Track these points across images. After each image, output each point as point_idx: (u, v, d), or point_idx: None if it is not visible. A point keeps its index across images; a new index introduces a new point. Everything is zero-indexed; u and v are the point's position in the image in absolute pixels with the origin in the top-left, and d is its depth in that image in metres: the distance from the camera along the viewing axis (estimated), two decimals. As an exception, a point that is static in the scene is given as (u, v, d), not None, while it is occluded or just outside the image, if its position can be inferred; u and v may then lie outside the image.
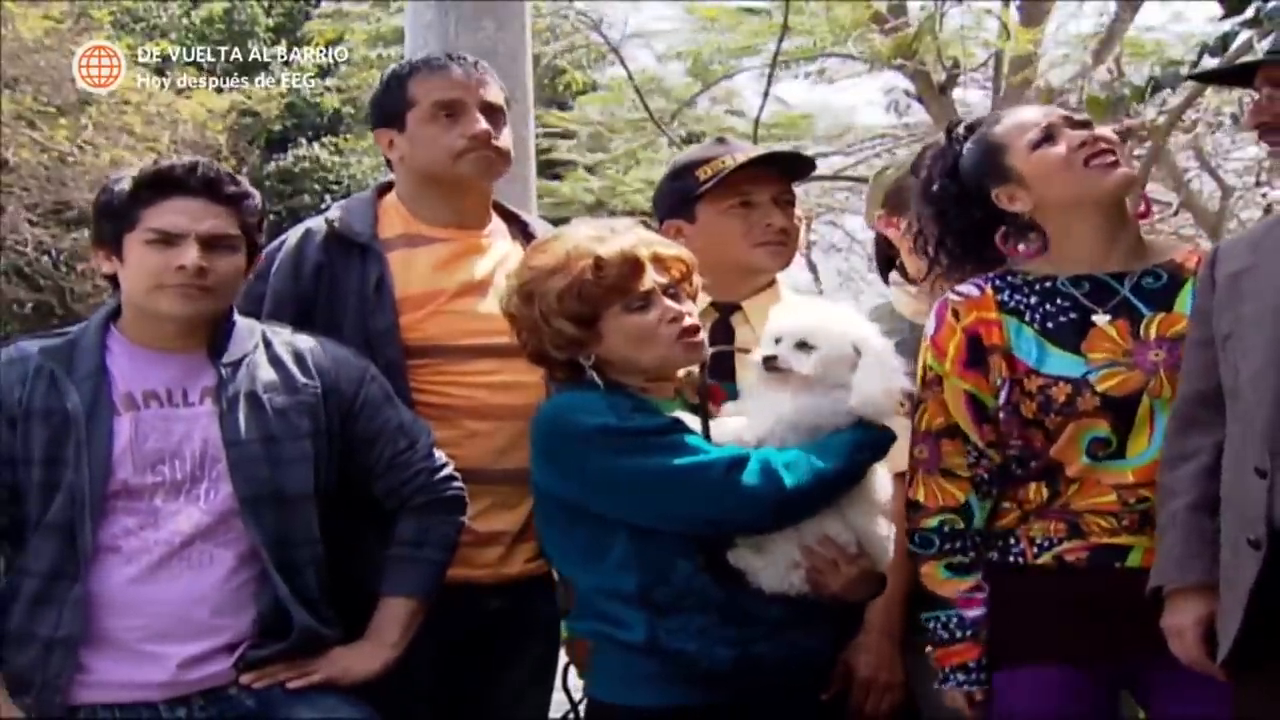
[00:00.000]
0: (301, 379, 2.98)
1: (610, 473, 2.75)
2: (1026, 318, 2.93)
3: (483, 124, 3.31)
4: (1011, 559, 2.92)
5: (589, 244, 2.83)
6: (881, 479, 2.90)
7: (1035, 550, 2.90)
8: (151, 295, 2.88)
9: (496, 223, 3.42)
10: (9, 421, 2.84)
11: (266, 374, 2.95)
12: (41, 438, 2.83)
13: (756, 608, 2.76)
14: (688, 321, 2.83)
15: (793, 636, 2.78)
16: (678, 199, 3.32)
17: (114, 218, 2.91)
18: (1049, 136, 2.93)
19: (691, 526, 2.74)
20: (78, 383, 2.86)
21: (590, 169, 13.69)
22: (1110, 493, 2.84)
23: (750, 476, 2.71)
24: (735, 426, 2.83)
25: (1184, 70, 4.67)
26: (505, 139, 3.36)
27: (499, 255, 3.32)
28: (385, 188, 3.45)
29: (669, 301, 2.82)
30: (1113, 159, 2.91)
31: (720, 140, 3.45)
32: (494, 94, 3.37)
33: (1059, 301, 2.92)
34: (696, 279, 2.94)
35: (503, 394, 3.18)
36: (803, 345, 2.82)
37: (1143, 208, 3.07)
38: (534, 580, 3.28)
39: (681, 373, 2.90)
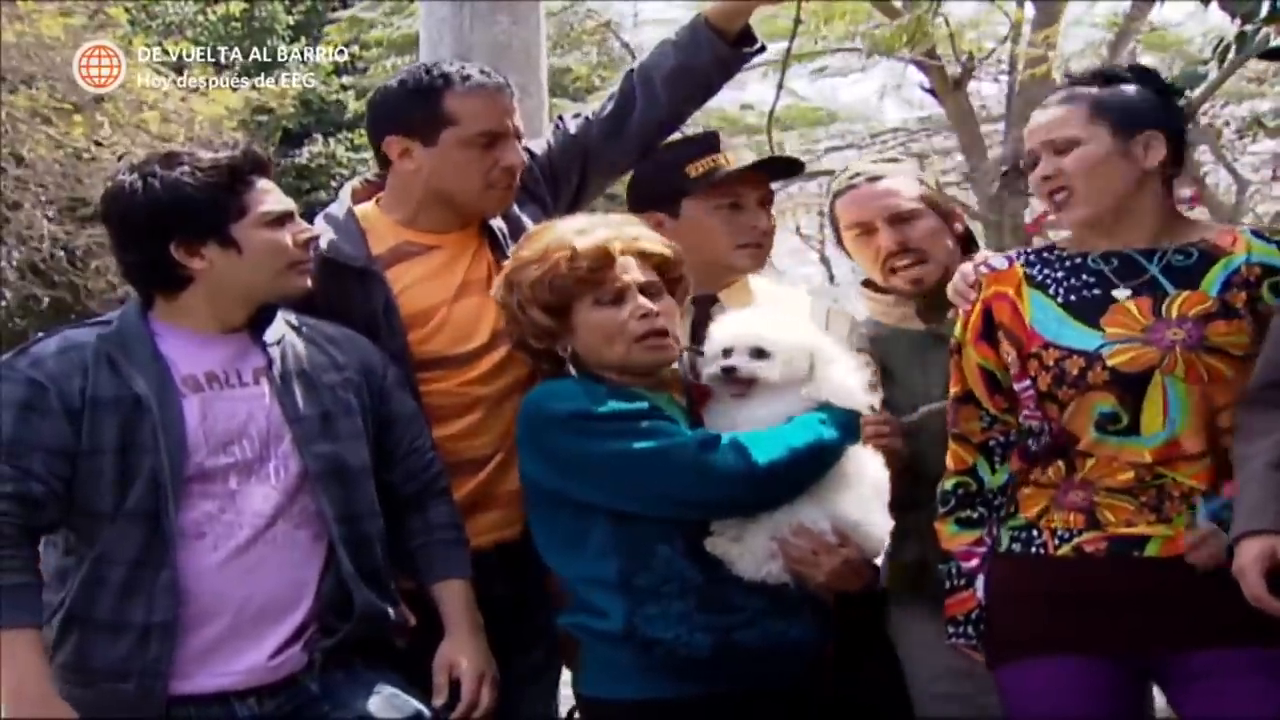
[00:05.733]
0: (341, 358, 3.02)
1: (585, 457, 2.80)
2: (1051, 290, 2.96)
3: (519, 155, 3.31)
4: (1034, 550, 2.93)
5: (570, 236, 2.88)
6: (876, 468, 2.92)
7: (1056, 542, 2.91)
8: (284, 275, 2.94)
9: None
10: (68, 414, 2.81)
11: (310, 353, 2.98)
12: (113, 425, 2.81)
13: (737, 595, 2.78)
14: (656, 323, 2.85)
15: (775, 626, 2.80)
16: (662, 192, 3.32)
17: (212, 208, 2.88)
18: None
19: (666, 508, 2.77)
20: (140, 368, 2.84)
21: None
22: (1128, 470, 2.86)
23: (721, 455, 2.75)
24: None
25: (1203, 69, 4.67)
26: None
27: (482, 253, 3.34)
28: (355, 193, 3.40)
29: (642, 299, 2.85)
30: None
31: (706, 137, 3.45)
32: (519, 118, 3.36)
33: (1085, 276, 2.95)
34: (687, 275, 2.97)
35: (498, 379, 3.22)
36: (759, 353, 2.85)
37: (1192, 193, 3.08)
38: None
39: (668, 370, 2.94)
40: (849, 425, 2.87)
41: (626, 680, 2.81)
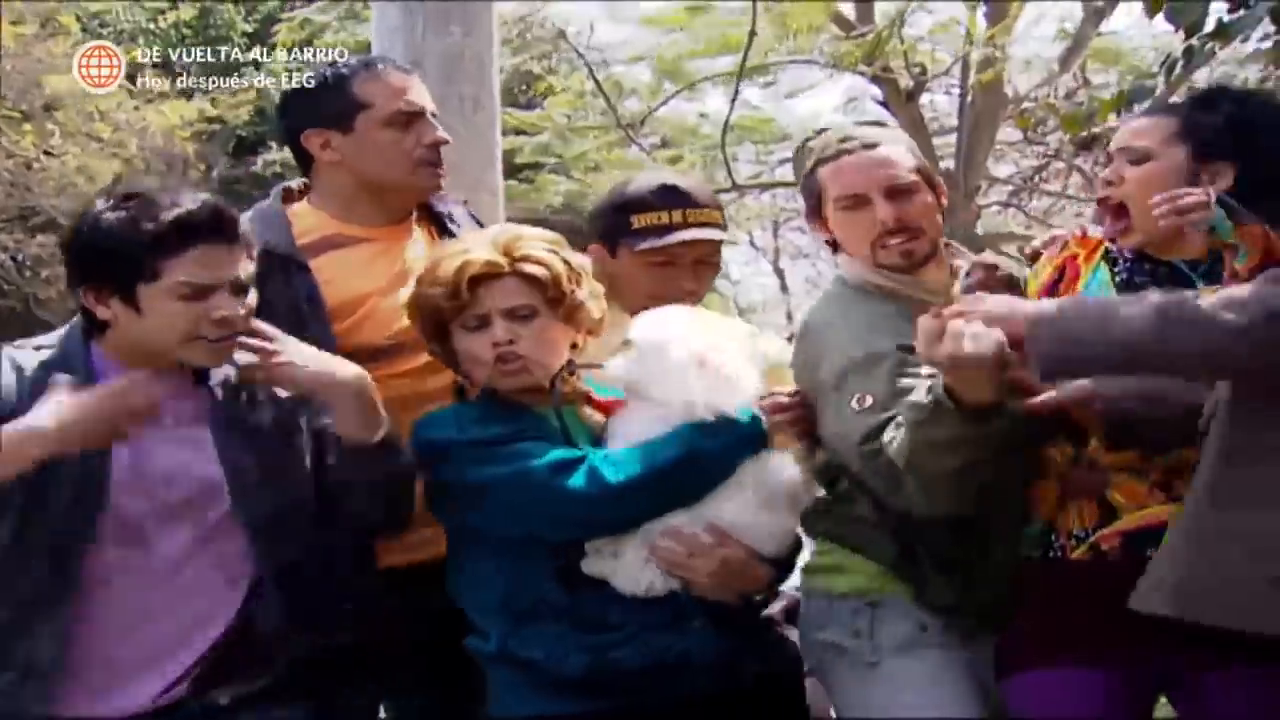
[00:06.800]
0: (282, 392, 2.92)
1: (451, 484, 2.82)
2: (1117, 268, 2.95)
3: (440, 131, 3.32)
4: (1051, 555, 2.90)
5: (450, 258, 2.87)
6: (783, 472, 2.88)
7: (1073, 544, 2.87)
8: (184, 348, 2.76)
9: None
10: None
11: (250, 391, 2.88)
12: None
13: (615, 613, 2.77)
14: (506, 350, 2.83)
15: (657, 641, 2.77)
16: (608, 229, 3.32)
17: (122, 263, 2.73)
18: None
19: (527, 530, 2.78)
20: None
21: (555, 170, 13.72)
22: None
23: (575, 477, 2.75)
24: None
25: (1151, 83, 4.73)
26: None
27: (419, 246, 3.31)
28: (290, 193, 3.39)
29: (500, 326, 2.83)
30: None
31: (667, 189, 3.36)
32: (430, 102, 3.38)
33: (1147, 267, 2.92)
34: (577, 294, 2.91)
35: (431, 377, 3.15)
36: (626, 344, 2.87)
37: None
38: None
39: (571, 385, 2.92)
40: (742, 435, 2.83)
41: (509, 699, 2.83)
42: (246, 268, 2.79)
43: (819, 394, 2.96)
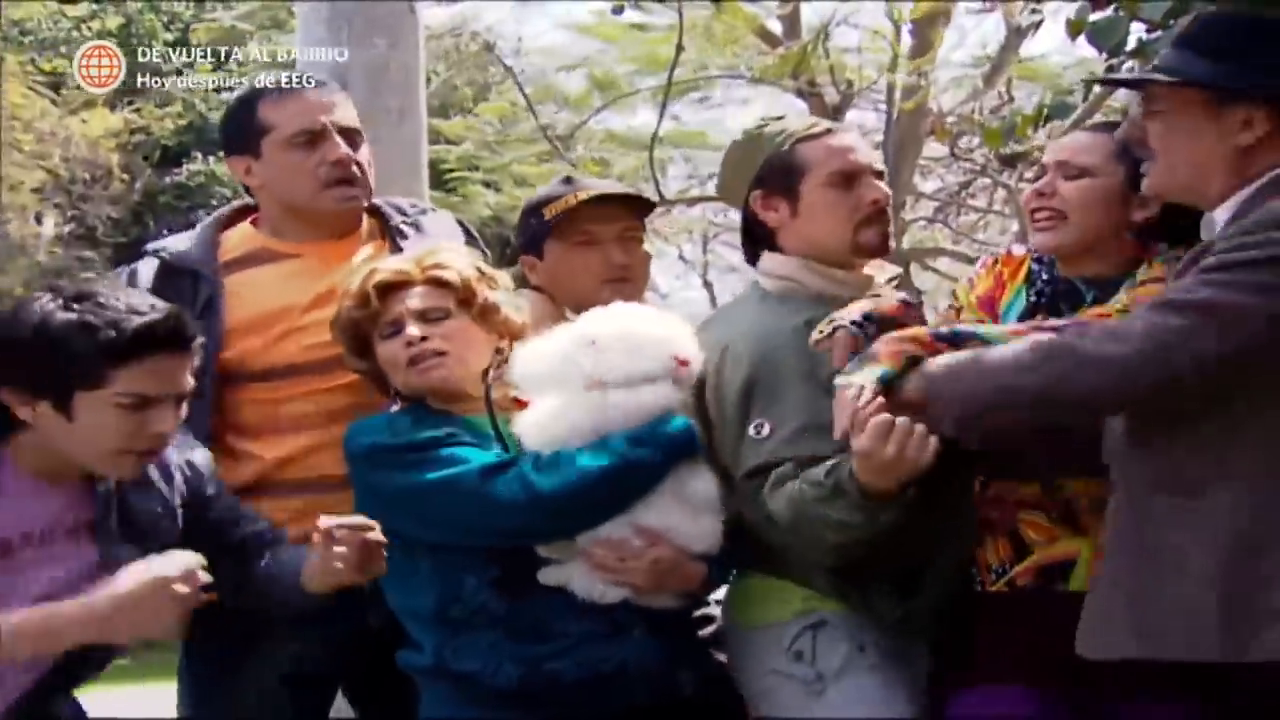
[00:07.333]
0: (167, 491, 2.80)
1: (382, 489, 2.82)
2: (1035, 288, 2.97)
3: (343, 148, 3.27)
4: (970, 587, 2.91)
5: (354, 276, 2.93)
6: (694, 472, 2.85)
7: (992, 578, 2.89)
8: (114, 459, 2.61)
9: (367, 224, 3.38)
10: None
11: (137, 500, 2.75)
12: None
13: (556, 622, 2.76)
14: (421, 346, 2.85)
15: (595, 652, 2.76)
16: (529, 236, 3.32)
17: (68, 369, 2.54)
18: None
19: (459, 536, 2.78)
20: None
21: (487, 184, 13.69)
22: (1030, 481, 2.85)
23: (505, 482, 2.74)
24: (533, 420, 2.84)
25: (1072, 100, 4.80)
26: (365, 159, 3.32)
27: (357, 261, 3.23)
28: (244, 211, 3.39)
29: (412, 327, 2.86)
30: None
31: (567, 180, 3.42)
32: (350, 116, 3.34)
33: (1060, 288, 2.95)
34: (493, 294, 2.94)
35: (360, 393, 3.12)
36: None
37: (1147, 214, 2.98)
38: None
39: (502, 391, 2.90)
40: (674, 444, 2.82)
41: (443, 709, 2.80)
42: (190, 379, 2.66)
43: (720, 401, 2.89)
